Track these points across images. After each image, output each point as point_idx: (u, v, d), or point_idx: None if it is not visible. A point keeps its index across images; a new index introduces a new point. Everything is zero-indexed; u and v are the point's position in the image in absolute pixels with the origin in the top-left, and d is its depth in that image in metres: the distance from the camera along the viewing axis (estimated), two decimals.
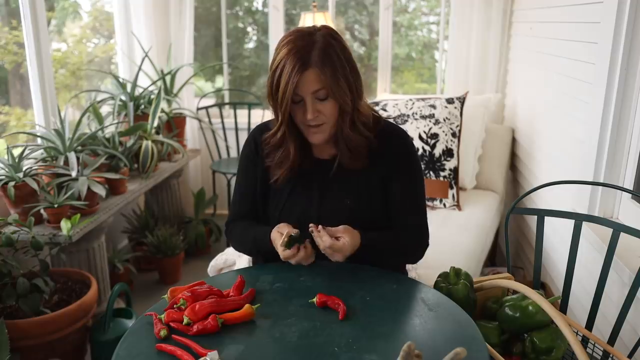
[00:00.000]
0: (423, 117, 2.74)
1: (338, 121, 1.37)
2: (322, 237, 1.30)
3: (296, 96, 1.32)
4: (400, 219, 1.45)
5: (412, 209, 1.46)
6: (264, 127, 1.50)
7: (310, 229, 1.32)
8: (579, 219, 1.61)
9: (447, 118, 2.70)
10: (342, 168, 1.44)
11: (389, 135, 1.45)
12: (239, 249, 1.56)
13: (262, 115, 3.64)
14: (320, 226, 1.32)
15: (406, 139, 1.48)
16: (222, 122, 3.68)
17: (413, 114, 2.77)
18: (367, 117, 1.42)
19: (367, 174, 1.44)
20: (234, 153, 3.81)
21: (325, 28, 1.35)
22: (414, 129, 2.70)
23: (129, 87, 2.93)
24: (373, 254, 1.38)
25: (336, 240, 1.30)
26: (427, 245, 1.49)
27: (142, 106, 2.91)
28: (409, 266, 1.75)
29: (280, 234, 1.35)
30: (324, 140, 1.40)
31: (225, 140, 3.74)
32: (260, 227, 1.46)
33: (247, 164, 1.52)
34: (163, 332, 1.11)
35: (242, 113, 3.74)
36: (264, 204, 1.51)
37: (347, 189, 1.43)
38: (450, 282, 1.38)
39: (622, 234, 1.49)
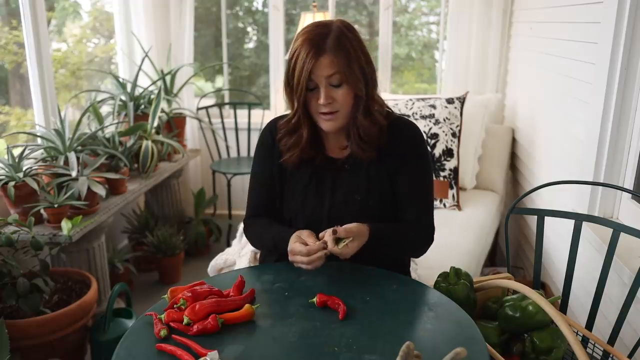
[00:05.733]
0: (423, 117, 2.74)
1: (352, 109, 1.39)
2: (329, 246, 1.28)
3: (311, 82, 1.34)
4: (407, 213, 1.47)
5: (419, 204, 1.47)
6: (279, 117, 1.53)
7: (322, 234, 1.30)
8: (579, 219, 1.61)
9: (447, 118, 2.70)
10: (353, 165, 1.46)
11: (399, 128, 1.47)
12: (257, 246, 1.57)
13: (262, 115, 3.63)
14: (334, 230, 1.29)
15: (416, 131, 1.49)
16: (222, 122, 3.68)
17: (413, 114, 2.77)
18: (380, 106, 1.44)
19: (377, 170, 1.45)
20: (234, 153, 3.80)
21: (340, 21, 1.39)
22: None
23: (129, 87, 2.93)
24: (379, 248, 1.38)
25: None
26: (431, 240, 1.50)
27: (142, 106, 2.91)
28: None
29: (299, 238, 1.32)
30: (336, 129, 1.41)
31: (225, 140, 3.74)
32: (280, 227, 1.47)
33: (264, 154, 1.53)
34: (163, 332, 1.11)
35: (242, 113, 3.74)
36: (282, 192, 1.52)
37: (357, 186, 1.46)
38: (450, 282, 1.38)
39: (622, 234, 1.49)
